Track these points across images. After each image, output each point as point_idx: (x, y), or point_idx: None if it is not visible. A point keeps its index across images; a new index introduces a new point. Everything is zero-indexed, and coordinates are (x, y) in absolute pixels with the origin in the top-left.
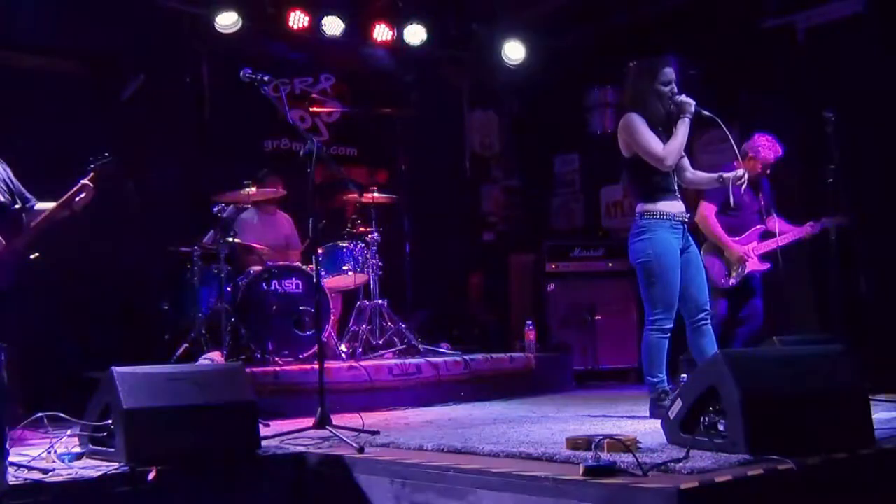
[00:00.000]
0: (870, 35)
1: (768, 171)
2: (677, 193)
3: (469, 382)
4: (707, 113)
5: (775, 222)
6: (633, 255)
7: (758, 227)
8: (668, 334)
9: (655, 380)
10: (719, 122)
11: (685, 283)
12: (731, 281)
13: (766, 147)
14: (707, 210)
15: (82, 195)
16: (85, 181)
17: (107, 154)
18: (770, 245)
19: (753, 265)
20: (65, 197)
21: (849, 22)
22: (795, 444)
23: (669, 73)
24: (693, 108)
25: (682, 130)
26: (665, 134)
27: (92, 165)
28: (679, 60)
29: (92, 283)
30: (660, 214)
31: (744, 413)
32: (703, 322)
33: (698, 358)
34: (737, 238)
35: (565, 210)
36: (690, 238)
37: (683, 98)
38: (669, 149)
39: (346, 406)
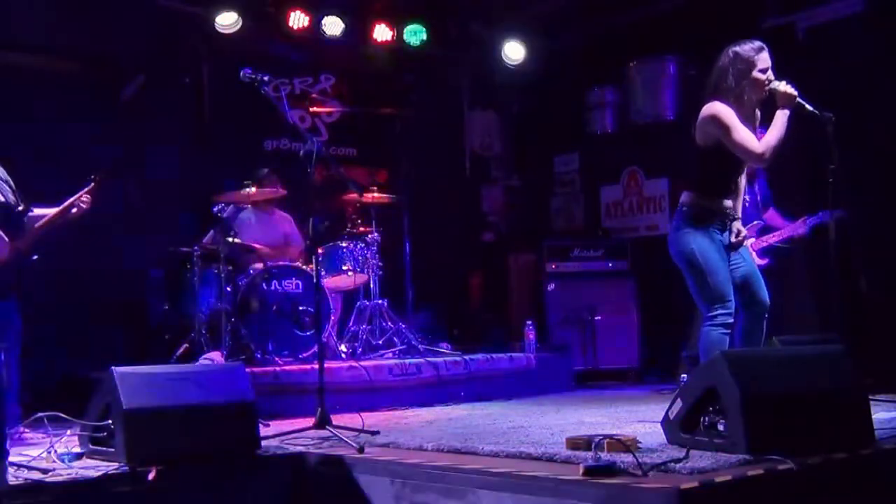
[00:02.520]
0: (870, 35)
1: None
2: (733, 194)
3: (469, 382)
4: (810, 108)
5: (774, 217)
6: (674, 247)
7: (755, 222)
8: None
9: None
10: (819, 115)
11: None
12: None
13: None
14: None
15: (82, 204)
16: (85, 192)
17: (107, 167)
18: (769, 240)
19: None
20: (66, 203)
21: (849, 22)
22: (795, 444)
23: (767, 58)
24: (796, 101)
25: (782, 122)
26: (751, 125)
27: (93, 175)
28: (679, 60)
29: (92, 283)
30: (704, 209)
31: (744, 413)
32: None
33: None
34: None
35: (565, 210)
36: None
37: (784, 86)
38: (768, 143)
39: (346, 406)
